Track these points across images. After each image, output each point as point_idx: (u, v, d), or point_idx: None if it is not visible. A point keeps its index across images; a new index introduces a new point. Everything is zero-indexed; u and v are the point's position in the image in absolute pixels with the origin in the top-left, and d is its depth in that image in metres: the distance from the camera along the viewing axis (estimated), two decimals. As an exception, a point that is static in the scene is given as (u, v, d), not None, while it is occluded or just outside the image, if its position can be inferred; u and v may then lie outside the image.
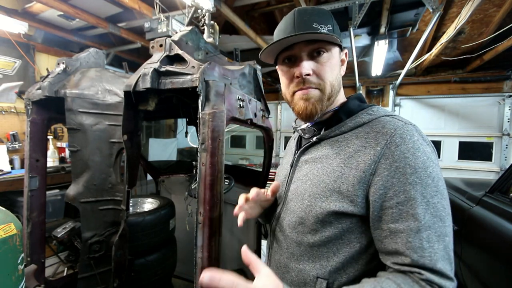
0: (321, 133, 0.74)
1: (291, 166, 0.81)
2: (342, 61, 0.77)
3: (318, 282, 0.66)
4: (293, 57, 0.72)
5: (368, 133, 0.65)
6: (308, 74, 0.68)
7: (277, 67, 0.79)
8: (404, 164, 0.57)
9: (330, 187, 0.65)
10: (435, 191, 0.57)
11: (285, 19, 0.72)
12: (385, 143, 0.60)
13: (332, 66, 0.71)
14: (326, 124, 0.75)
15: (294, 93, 0.73)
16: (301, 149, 0.79)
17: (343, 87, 0.78)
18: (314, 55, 0.70)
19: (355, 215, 0.63)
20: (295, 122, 0.89)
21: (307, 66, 0.68)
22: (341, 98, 0.77)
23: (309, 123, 0.77)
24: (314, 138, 0.75)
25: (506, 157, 4.33)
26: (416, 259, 0.54)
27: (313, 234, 0.67)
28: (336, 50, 0.72)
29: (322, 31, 0.67)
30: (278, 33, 0.73)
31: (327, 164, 0.69)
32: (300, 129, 0.80)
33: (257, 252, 1.93)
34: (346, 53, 0.79)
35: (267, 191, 0.81)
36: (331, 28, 0.69)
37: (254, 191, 0.78)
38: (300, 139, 0.86)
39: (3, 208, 0.94)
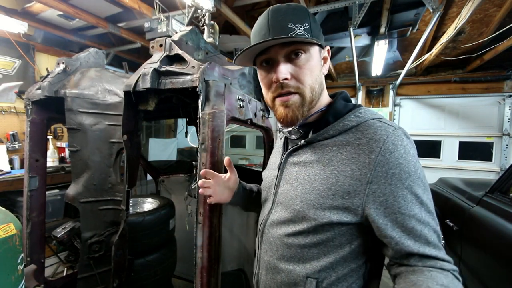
0: (309, 136, 0.72)
1: (279, 168, 0.78)
2: (325, 58, 0.73)
3: (308, 281, 0.67)
4: (270, 60, 0.69)
5: (360, 139, 0.64)
6: (286, 79, 0.65)
7: (257, 70, 0.76)
8: (399, 170, 0.60)
9: (323, 194, 0.65)
10: (425, 189, 0.62)
11: (259, 20, 0.68)
12: (379, 151, 0.61)
13: (311, 68, 0.67)
14: (313, 126, 0.73)
15: (274, 98, 0.70)
16: (289, 150, 0.76)
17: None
18: (291, 57, 0.66)
19: (349, 223, 0.64)
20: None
21: (284, 71, 0.65)
22: (325, 98, 0.74)
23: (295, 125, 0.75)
24: (302, 141, 0.72)
25: (506, 157, 4.32)
26: (435, 253, 0.60)
27: (305, 237, 0.68)
28: (315, 49, 0.69)
29: (298, 31, 0.63)
30: (254, 35, 0.69)
31: (318, 170, 0.67)
32: (286, 130, 0.77)
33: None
34: (328, 50, 0.74)
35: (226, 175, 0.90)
36: (308, 26, 0.64)
37: (205, 172, 0.88)
38: (286, 139, 0.83)
39: (3, 208, 0.94)
